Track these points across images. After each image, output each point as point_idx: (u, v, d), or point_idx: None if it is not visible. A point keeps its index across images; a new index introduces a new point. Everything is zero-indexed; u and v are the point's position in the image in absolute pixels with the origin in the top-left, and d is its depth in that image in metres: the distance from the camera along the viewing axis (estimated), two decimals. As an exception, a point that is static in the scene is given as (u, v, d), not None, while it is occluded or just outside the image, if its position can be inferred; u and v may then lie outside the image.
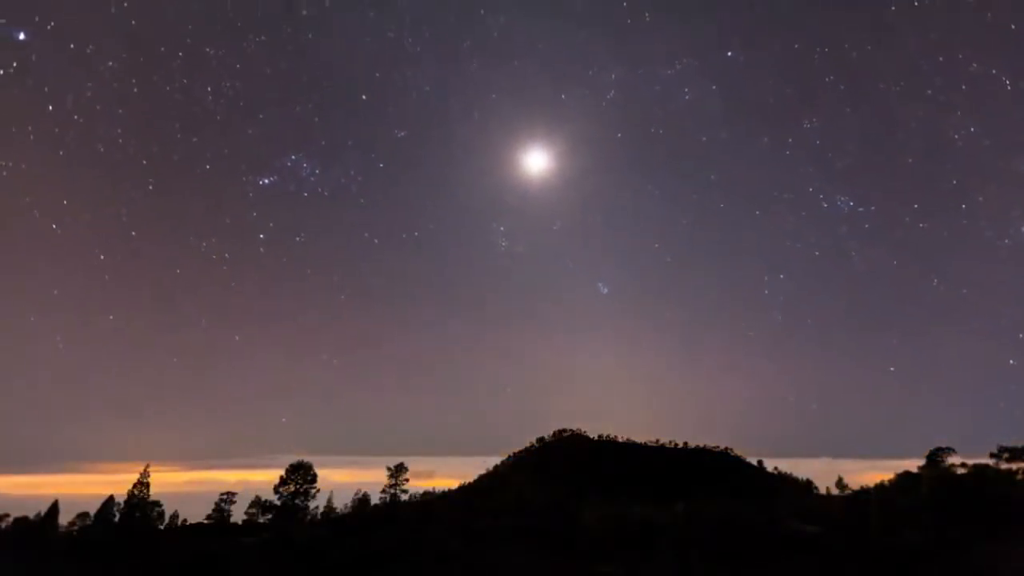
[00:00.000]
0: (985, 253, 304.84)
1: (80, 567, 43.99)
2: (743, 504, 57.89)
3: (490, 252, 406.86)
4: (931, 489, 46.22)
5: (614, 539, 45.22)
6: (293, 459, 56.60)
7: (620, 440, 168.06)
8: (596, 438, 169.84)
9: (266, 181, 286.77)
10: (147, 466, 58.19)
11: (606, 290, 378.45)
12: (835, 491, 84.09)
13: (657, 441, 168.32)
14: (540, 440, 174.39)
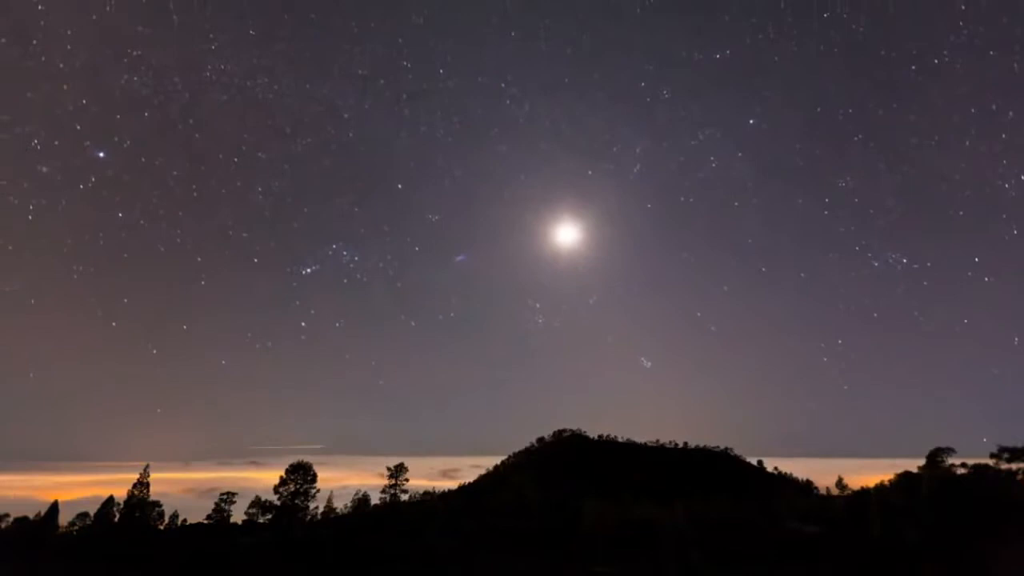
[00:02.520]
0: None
1: (80, 567, 43.99)
2: (743, 504, 57.90)
3: (527, 329, 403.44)
4: (931, 489, 46.19)
5: (614, 539, 45.23)
6: (293, 459, 56.70)
7: (620, 440, 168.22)
8: (596, 438, 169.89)
9: (308, 270, 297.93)
10: (147, 466, 58.23)
11: (649, 364, 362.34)
12: (835, 491, 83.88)
13: (657, 441, 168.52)
14: (540, 440, 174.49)
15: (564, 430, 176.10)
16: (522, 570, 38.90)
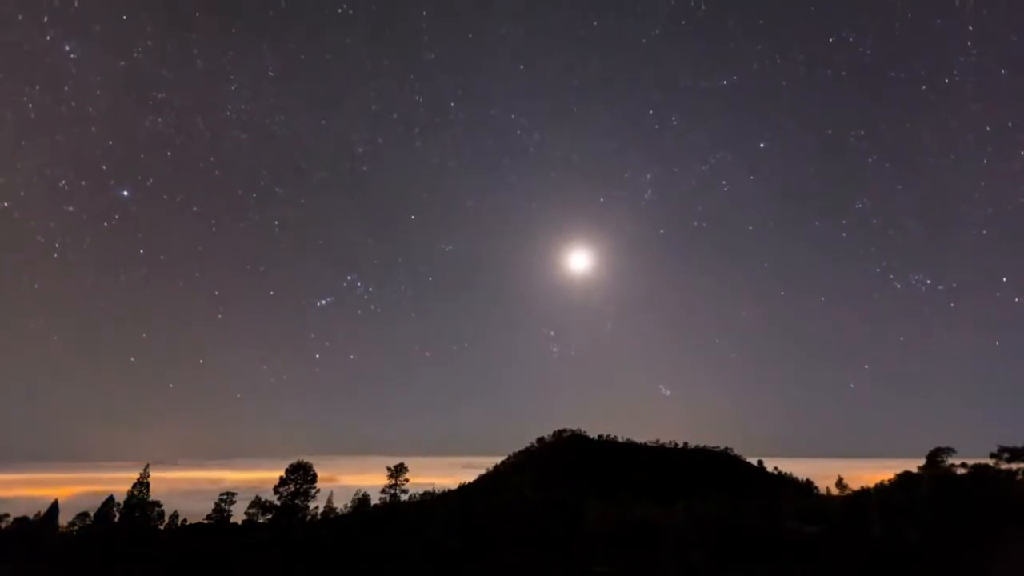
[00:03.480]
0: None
1: (80, 567, 43.98)
2: (743, 504, 57.82)
3: (542, 359, 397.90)
4: (931, 489, 46.21)
5: (614, 539, 45.21)
6: (293, 459, 56.67)
7: (620, 440, 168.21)
8: (596, 438, 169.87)
9: (323, 302, 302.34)
10: (147, 466, 58.19)
11: (668, 392, 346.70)
12: (835, 491, 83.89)
13: (657, 441, 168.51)
14: (540, 440, 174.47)
15: (564, 430, 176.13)
16: (521, 570, 38.89)
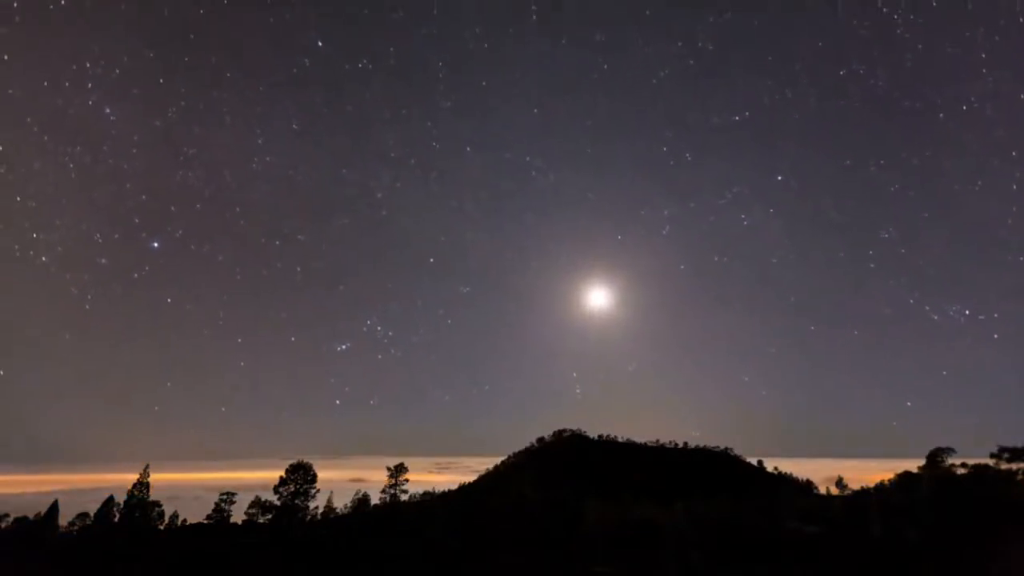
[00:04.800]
0: None
1: (80, 567, 43.97)
2: (743, 504, 57.86)
3: (565, 400, 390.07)
4: (931, 489, 46.22)
5: (614, 539, 45.22)
6: (293, 459, 56.67)
7: (620, 440, 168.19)
8: (596, 438, 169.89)
9: (343, 347, 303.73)
10: (147, 466, 58.19)
11: (697, 433, 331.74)
12: (835, 491, 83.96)
13: (657, 441, 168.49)
14: (540, 440, 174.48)
15: (564, 430, 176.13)
16: (521, 570, 38.89)
